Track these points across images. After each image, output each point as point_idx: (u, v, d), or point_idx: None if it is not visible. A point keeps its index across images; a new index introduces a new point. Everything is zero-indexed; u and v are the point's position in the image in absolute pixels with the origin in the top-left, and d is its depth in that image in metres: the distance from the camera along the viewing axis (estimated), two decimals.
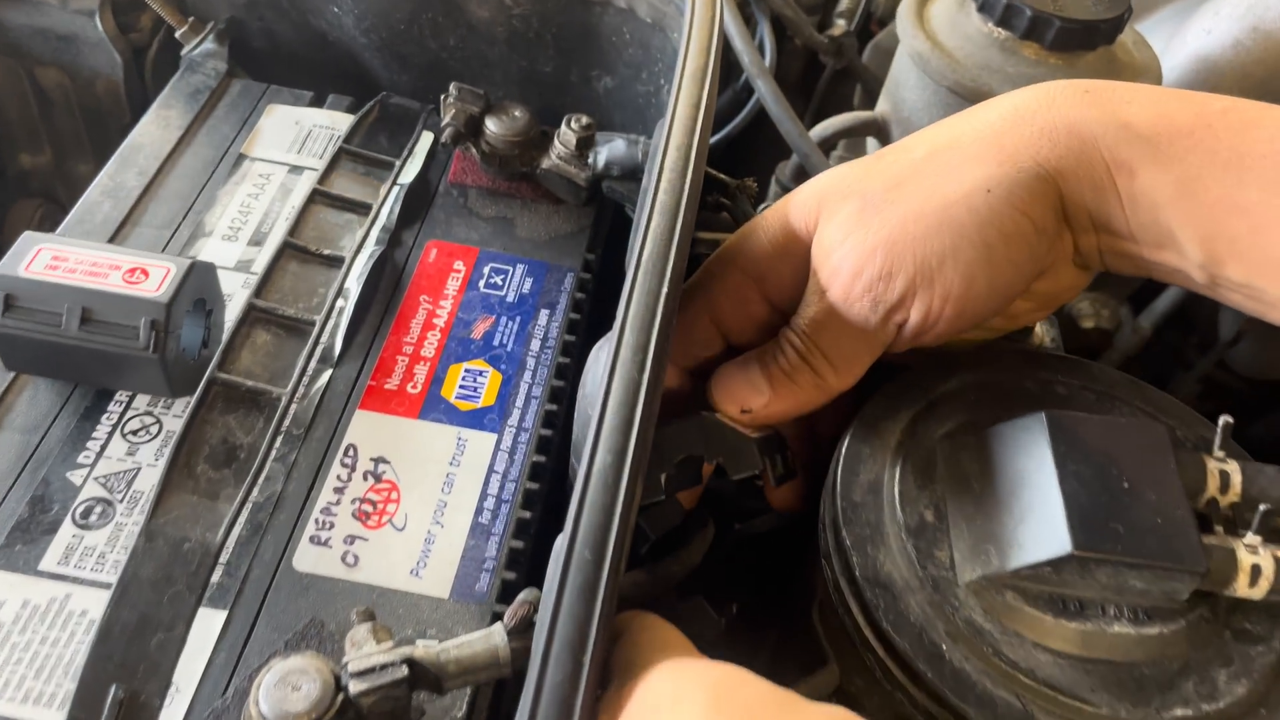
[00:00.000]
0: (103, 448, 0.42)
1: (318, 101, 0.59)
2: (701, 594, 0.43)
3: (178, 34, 0.60)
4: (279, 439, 0.42)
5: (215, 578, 0.38)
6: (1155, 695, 0.34)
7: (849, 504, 0.38)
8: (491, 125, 0.53)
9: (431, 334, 0.48)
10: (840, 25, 0.81)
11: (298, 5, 0.60)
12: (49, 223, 0.69)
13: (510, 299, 0.50)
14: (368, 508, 0.42)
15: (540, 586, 0.34)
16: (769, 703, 0.28)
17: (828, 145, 0.70)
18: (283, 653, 0.37)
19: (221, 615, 0.38)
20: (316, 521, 0.41)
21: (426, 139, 0.56)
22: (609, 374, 0.34)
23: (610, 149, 0.53)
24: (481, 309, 0.50)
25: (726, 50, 0.69)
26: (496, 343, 0.48)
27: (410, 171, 0.54)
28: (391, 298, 0.49)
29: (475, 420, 0.45)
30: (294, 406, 0.44)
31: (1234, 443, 0.39)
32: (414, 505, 0.42)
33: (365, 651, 0.34)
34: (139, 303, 0.40)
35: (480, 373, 0.47)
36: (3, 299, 0.40)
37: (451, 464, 0.43)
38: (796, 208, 0.41)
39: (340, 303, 0.47)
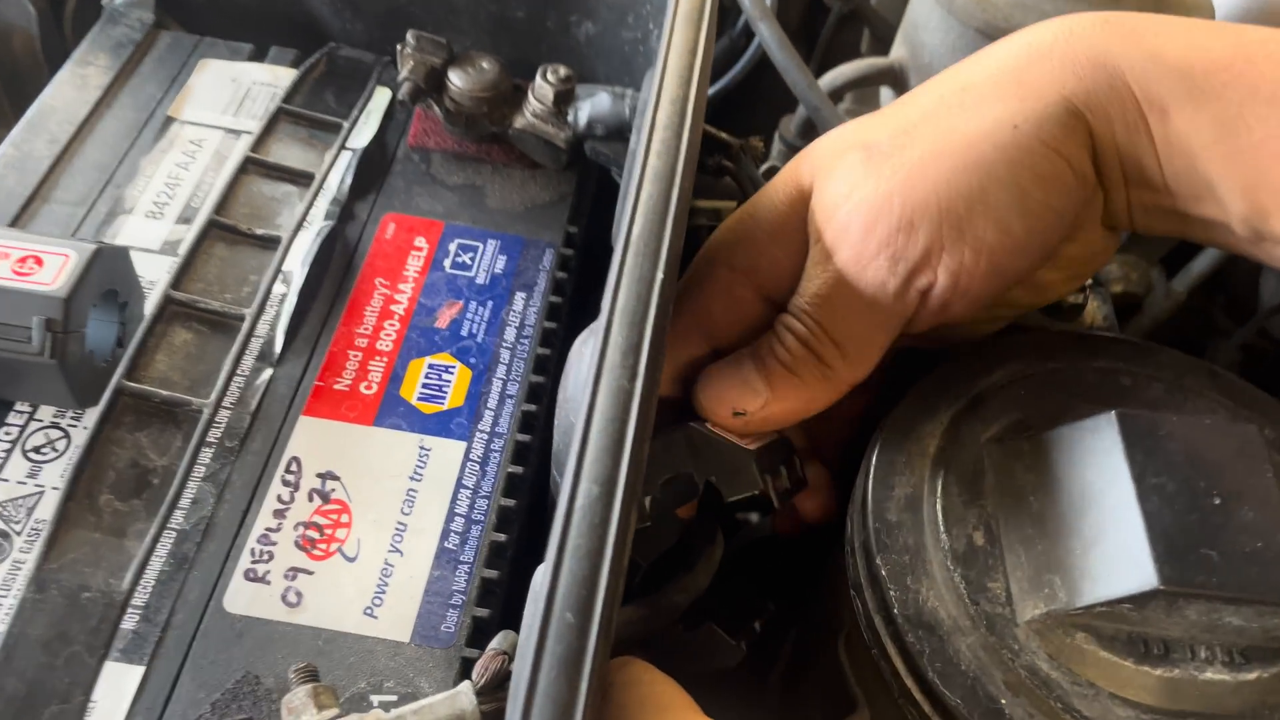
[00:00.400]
0: None
1: (258, 55, 0.51)
2: (709, 617, 0.37)
3: None
4: (208, 454, 0.36)
5: (130, 625, 0.32)
6: None
7: (882, 525, 0.33)
8: (455, 79, 0.46)
9: (389, 324, 0.41)
10: None
11: None
12: None
13: (480, 280, 0.44)
14: (313, 534, 0.35)
15: (518, 626, 0.28)
16: None
17: (836, 97, 0.63)
18: (209, 718, 0.31)
19: (138, 671, 0.32)
20: (253, 552, 0.35)
21: (382, 96, 0.49)
22: (594, 381, 0.28)
23: (593, 104, 0.46)
24: (447, 293, 0.43)
25: None
26: (465, 333, 0.42)
27: (364, 134, 0.47)
28: (342, 282, 0.42)
29: (441, 425, 0.39)
30: (226, 414, 0.37)
31: None
32: (368, 530, 0.36)
33: None
34: (30, 298, 0.34)
35: (446, 368, 0.40)
36: None
37: (413, 478, 0.37)
38: (785, 180, 0.36)
39: (280, 289, 0.40)
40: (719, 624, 0.37)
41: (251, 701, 0.32)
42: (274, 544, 0.35)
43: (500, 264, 0.44)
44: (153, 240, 0.43)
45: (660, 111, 0.34)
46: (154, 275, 0.41)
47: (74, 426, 0.37)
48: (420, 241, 0.45)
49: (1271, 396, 0.37)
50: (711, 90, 0.68)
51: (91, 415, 0.36)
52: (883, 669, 0.31)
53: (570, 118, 0.47)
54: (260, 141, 0.43)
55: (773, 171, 0.50)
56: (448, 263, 0.44)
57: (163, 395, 0.34)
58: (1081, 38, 0.33)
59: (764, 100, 0.72)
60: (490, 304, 0.43)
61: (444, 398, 0.40)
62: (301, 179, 0.43)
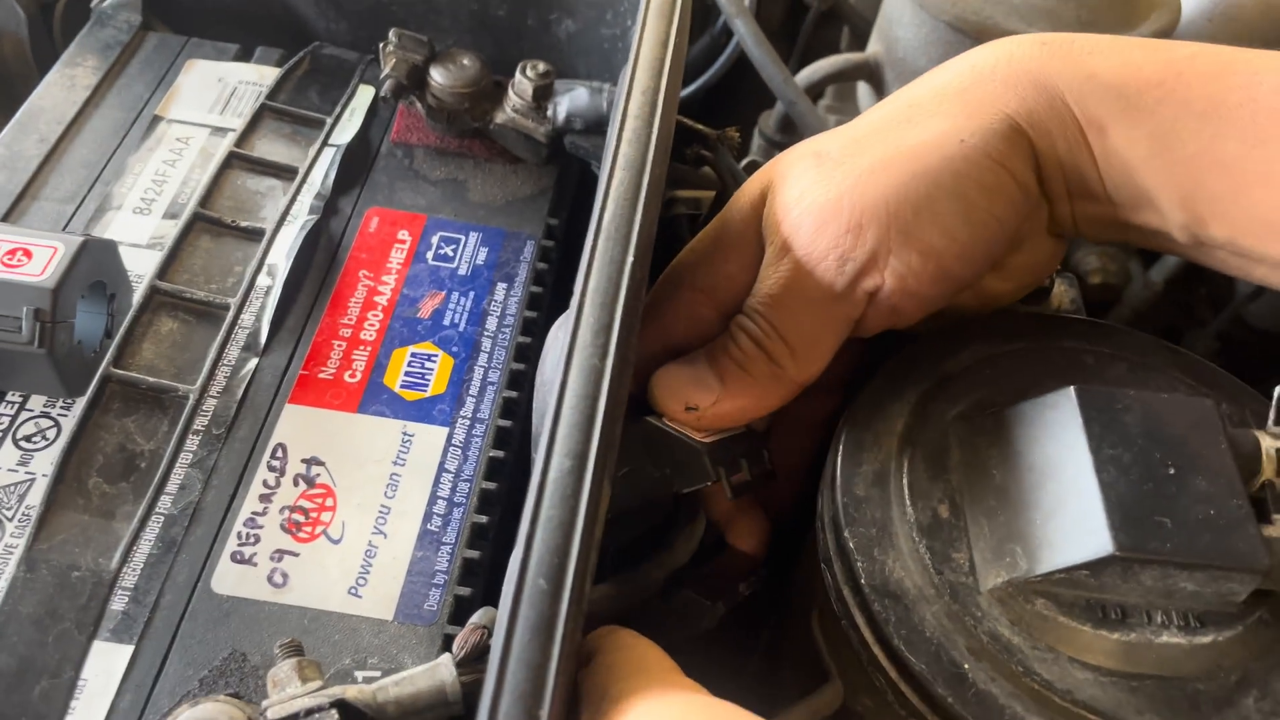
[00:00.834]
0: None
1: (244, 55, 0.52)
2: (686, 586, 0.38)
3: None
4: (195, 441, 0.37)
5: (120, 606, 0.33)
6: (1211, 713, 0.30)
7: (851, 500, 0.33)
8: (437, 76, 0.47)
9: (373, 314, 0.42)
10: None
11: None
12: None
13: (462, 272, 0.45)
14: (299, 517, 0.36)
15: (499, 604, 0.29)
16: None
17: (814, 93, 0.64)
18: (196, 694, 0.32)
19: (127, 650, 0.33)
20: (239, 535, 0.36)
21: (365, 93, 0.50)
22: (566, 361, 0.29)
23: (572, 99, 0.47)
24: (430, 284, 0.44)
25: None
26: (447, 322, 0.43)
27: (348, 131, 0.48)
28: (327, 274, 0.43)
29: (423, 412, 0.40)
30: (213, 403, 0.38)
31: None
32: (352, 513, 0.37)
33: (288, 693, 0.29)
34: (19, 289, 0.35)
35: (429, 357, 0.41)
36: None
37: (396, 463, 0.38)
38: (740, 197, 0.37)
39: (266, 281, 0.41)
40: (695, 589, 0.38)
41: (239, 678, 0.32)
42: (260, 527, 0.36)
43: (482, 256, 0.45)
44: (140, 236, 0.44)
45: (632, 101, 0.35)
46: (142, 270, 0.42)
47: (64, 416, 0.38)
48: (403, 234, 0.46)
49: (1232, 375, 0.38)
50: (693, 87, 0.69)
51: (81, 402, 0.37)
52: (851, 638, 0.32)
53: (550, 112, 0.48)
54: (244, 137, 0.44)
55: (753, 166, 0.51)
56: (430, 255, 0.45)
57: (149, 382, 0.35)
58: (1021, 60, 0.35)
59: (746, 97, 0.73)
60: (472, 294, 0.44)
61: (426, 385, 0.41)
62: (285, 173, 0.43)
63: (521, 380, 0.42)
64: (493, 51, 0.52)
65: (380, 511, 0.37)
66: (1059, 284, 0.43)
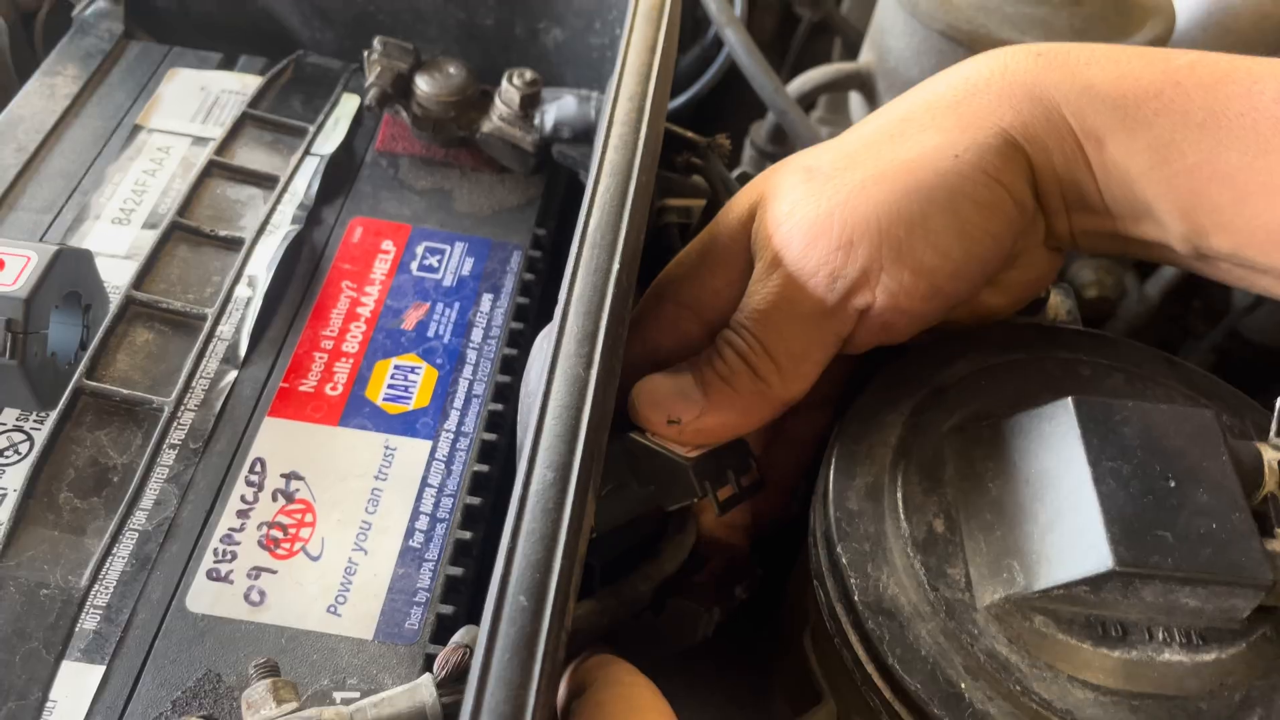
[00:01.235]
0: None
1: (227, 64, 0.52)
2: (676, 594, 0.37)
3: None
4: (171, 455, 0.36)
5: (92, 625, 0.32)
6: None
7: (843, 514, 0.33)
8: (423, 84, 0.46)
9: (355, 325, 0.42)
10: None
11: None
12: None
13: (447, 283, 0.44)
14: (277, 534, 0.35)
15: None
16: None
17: (807, 103, 0.64)
18: (169, 715, 0.31)
19: (99, 670, 0.32)
20: (216, 552, 0.35)
21: (350, 102, 0.49)
22: (549, 370, 0.28)
23: (559, 107, 0.46)
24: (414, 295, 0.43)
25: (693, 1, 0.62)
26: (431, 334, 0.42)
27: (332, 140, 0.47)
28: (309, 285, 0.42)
29: (406, 425, 0.39)
30: (190, 416, 0.37)
31: None
32: (332, 529, 0.36)
33: (262, 715, 0.28)
34: None
35: (412, 369, 0.41)
36: None
37: (378, 478, 0.37)
38: (729, 211, 0.36)
39: (246, 292, 0.40)
40: (688, 596, 0.37)
41: (213, 699, 0.31)
42: (237, 544, 0.35)
43: (468, 266, 0.45)
44: (119, 246, 0.43)
45: (618, 108, 0.34)
46: (120, 280, 0.41)
47: (37, 430, 0.37)
48: (387, 245, 0.45)
49: (1231, 385, 0.37)
50: (683, 98, 0.68)
51: (52, 415, 0.36)
52: (845, 657, 0.31)
53: (537, 121, 0.47)
54: (225, 145, 0.43)
55: (744, 177, 0.50)
56: (415, 265, 0.44)
57: (123, 394, 0.34)
58: (1016, 72, 0.34)
59: (737, 108, 0.73)
60: (457, 305, 0.43)
61: (410, 398, 0.40)
62: (266, 182, 0.43)
63: (507, 393, 0.41)
64: (480, 61, 0.52)
65: (361, 527, 0.36)
66: (1055, 294, 0.43)
